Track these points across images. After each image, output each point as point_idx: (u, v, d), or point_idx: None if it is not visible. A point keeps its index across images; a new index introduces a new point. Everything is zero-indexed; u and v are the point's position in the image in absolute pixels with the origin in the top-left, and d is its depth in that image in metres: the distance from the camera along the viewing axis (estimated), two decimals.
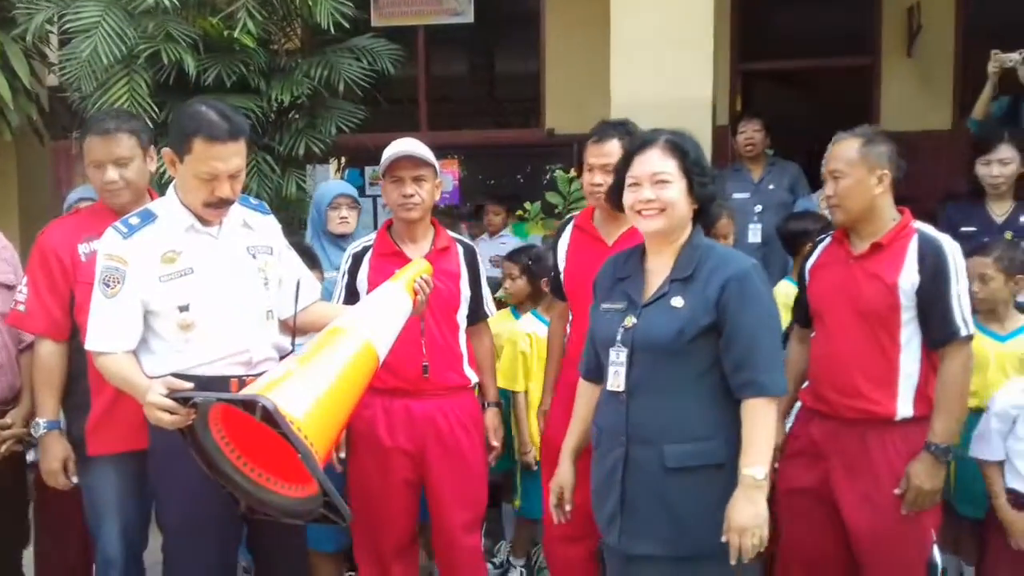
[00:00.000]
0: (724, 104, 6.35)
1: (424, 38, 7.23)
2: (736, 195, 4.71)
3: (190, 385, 2.28)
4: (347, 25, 4.38)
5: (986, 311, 3.17)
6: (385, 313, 2.58)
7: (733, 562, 2.11)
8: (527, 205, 5.81)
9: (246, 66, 4.21)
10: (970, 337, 2.55)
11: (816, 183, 4.11)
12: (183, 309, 2.41)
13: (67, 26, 4.13)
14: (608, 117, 3.91)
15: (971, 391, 3.17)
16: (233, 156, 2.39)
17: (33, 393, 2.81)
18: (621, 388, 2.27)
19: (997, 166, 3.90)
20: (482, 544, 3.10)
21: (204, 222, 2.47)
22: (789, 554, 2.79)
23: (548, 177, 6.38)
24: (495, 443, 3.10)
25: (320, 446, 2.13)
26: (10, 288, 2.89)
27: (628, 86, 3.96)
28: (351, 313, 2.59)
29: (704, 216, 2.35)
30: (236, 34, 4.09)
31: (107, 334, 2.40)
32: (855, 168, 2.58)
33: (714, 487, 2.17)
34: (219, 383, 2.43)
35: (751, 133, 4.84)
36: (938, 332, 2.54)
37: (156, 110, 3.83)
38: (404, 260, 2.89)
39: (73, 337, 2.72)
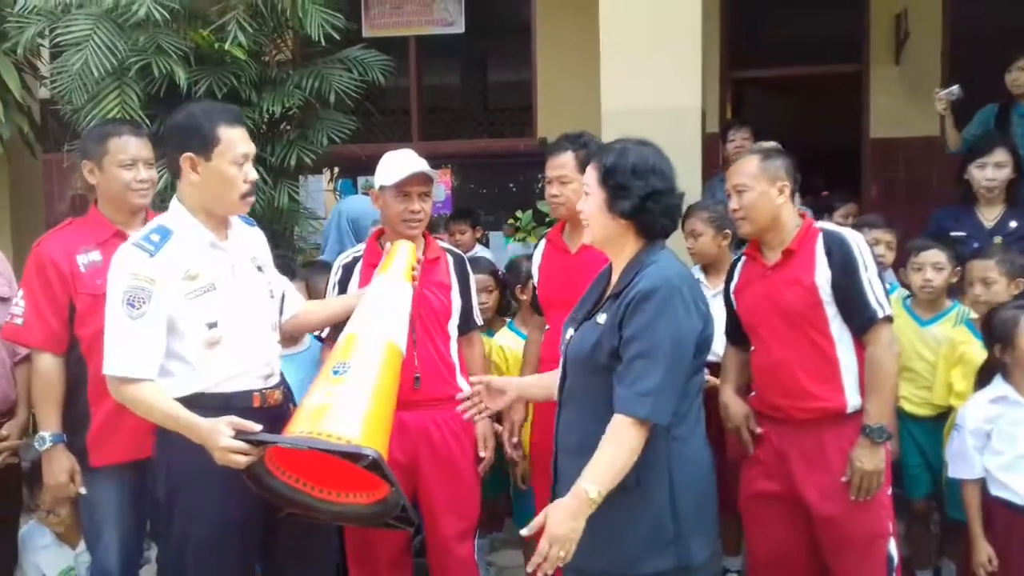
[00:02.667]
0: (714, 112, 6.38)
1: (416, 48, 7.25)
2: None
3: (259, 427, 2.24)
4: (338, 36, 4.40)
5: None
6: (394, 307, 2.67)
7: (529, 570, 1.97)
8: (519, 214, 5.83)
9: (237, 78, 4.22)
10: (889, 318, 2.61)
11: (804, 191, 4.13)
12: (212, 326, 2.37)
13: (58, 39, 4.15)
14: (600, 126, 3.96)
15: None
16: (248, 138, 2.45)
17: (31, 406, 2.80)
18: (555, 398, 2.34)
19: (992, 169, 3.90)
20: (475, 552, 3.09)
21: (220, 237, 2.46)
22: (758, 560, 2.82)
23: (541, 186, 6.40)
24: (483, 453, 3.06)
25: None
26: (5, 300, 2.88)
27: (618, 95, 3.98)
28: (363, 318, 2.63)
29: (647, 230, 2.22)
30: (227, 46, 4.10)
31: (132, 358, 2.30)
32: (757, 181, 2.66)
33: (616, 509, 2.08)
34: (242, 398, 2.42)
35: (740, 141, 4.88)
36: (858, 318, 2.60)
37: (148, 122, 3.84)
38: None
39: (71, 349, 2.70)
